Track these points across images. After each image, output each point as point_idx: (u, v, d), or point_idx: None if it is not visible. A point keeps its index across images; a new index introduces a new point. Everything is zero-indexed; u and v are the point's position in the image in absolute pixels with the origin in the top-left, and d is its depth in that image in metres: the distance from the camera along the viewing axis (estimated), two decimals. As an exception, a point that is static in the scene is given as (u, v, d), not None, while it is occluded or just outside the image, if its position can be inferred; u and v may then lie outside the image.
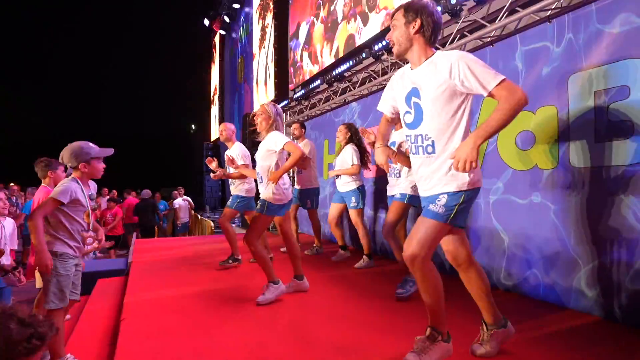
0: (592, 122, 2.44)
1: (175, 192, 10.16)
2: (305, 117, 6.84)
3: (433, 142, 1.62)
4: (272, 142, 2.77)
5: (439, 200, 1.60)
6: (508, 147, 3.01)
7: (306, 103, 6.75)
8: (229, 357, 1.92)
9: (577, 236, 2.52)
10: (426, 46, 1.67)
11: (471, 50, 3.45)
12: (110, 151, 2.18)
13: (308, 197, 4.46)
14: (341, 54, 5.43)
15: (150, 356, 1.93)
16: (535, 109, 2.78)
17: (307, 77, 6.57)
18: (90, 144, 2.13)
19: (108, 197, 9.01)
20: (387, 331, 2.21)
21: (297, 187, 4.50)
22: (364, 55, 4.65)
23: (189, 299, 2.85)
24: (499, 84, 1.48)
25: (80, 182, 2.06)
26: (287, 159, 2.78)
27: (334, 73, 5.38)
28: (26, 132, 22.20)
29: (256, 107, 8.75)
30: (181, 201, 9.36)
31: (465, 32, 3.58)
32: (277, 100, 7.88)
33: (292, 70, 7.37)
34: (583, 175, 2.50)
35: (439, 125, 1.60)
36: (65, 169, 3.01)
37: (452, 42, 3.62)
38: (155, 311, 2.60)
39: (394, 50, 1.72)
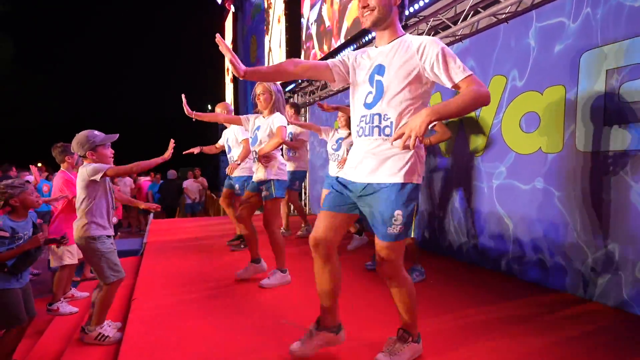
0: (602, 104, 2.29)
1: (190, 172, 10.26)
2: (317, 98, 6.76)
3: (392, 123, 1.48)
4: (273, 124, 2.73)
5: (395, 221, 1.47)
6: (512, 130, 2.88)
7: (317, 84, 6.65)
8: (228, 341, 1.94)
9: (584, 224, 2.41)
10: (398, 24, 1.56)
11: (485, 28, 3.28)
12: (114, 137, 2.23)
13: (298, 179, 4.39)
14: (351, 34, 5.28)
15: (156, 333, 2.01)
16: (543, 89, 2.64)
17: (318, 58, 6.44)
18: (96, 131, 2.18)
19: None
20: (380, 320, 2.18)
21: (290, 169, 4.33)
22: (373, 34, 4.50)
23: (197, 280, 2.91)
24: (467, 77, 1.39)
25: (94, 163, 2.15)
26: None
27: (342, 53, 5.25)
28: (49, 115, 22.84)
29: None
30: (191, 182, 9.48)
31: (479, 9, 3.40)
32: (288, 81, 7.78)
33: (303, 51, 7.25)
34: (590, 160, 2.37)
35: (400, 107, 1.47)
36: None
37: (464, 19, 3.45)
38: (165, 292, 2.67)
39: (371, 16, 1.49)
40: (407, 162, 1.48)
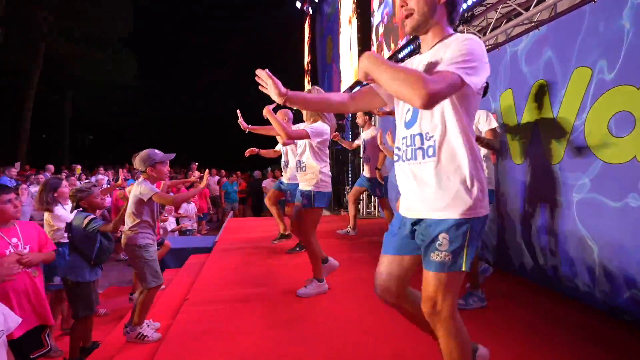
0: None
1: (270, 172, 10.85)
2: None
3: (435, 142, 1.28)
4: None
5: (440, 245, 1.25)
6: (598, 133, 2.36)
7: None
8: (252, 348, 2.00)
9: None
10: (445, 26, 1.34)
11: (566, 11, 2.76)
12: (171, 156, 2.52)
13: (377, 186, 4.32)
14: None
15: (196, 336, 2.16)
16: (640, 82, 2.10)
17: (387, 56, 6.21)
18: (156, 150, 2.48)
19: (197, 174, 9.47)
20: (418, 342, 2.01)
21: (366, 175, 4.40)
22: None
23: (250, 283, 3.06)
24: (453, 72, 1.15)
25: (148, 182, 2.41)
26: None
27: (406, 51, 4.96)
28: (145, 113, 25.93)
29: (343, 88, 8.65)
30: (269, 181, 10.02)
31: (560, -12, 2.87)
32: (359, 80, 7.65)
33: (373, 50, 7.05)
34: None
35: (441, 121, 1.27)
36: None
37: (540, 2, 2.94)
38: (217, 294, 2.83)
39: (411, 20, 1.33)
40: (460, 192, 1.25)
